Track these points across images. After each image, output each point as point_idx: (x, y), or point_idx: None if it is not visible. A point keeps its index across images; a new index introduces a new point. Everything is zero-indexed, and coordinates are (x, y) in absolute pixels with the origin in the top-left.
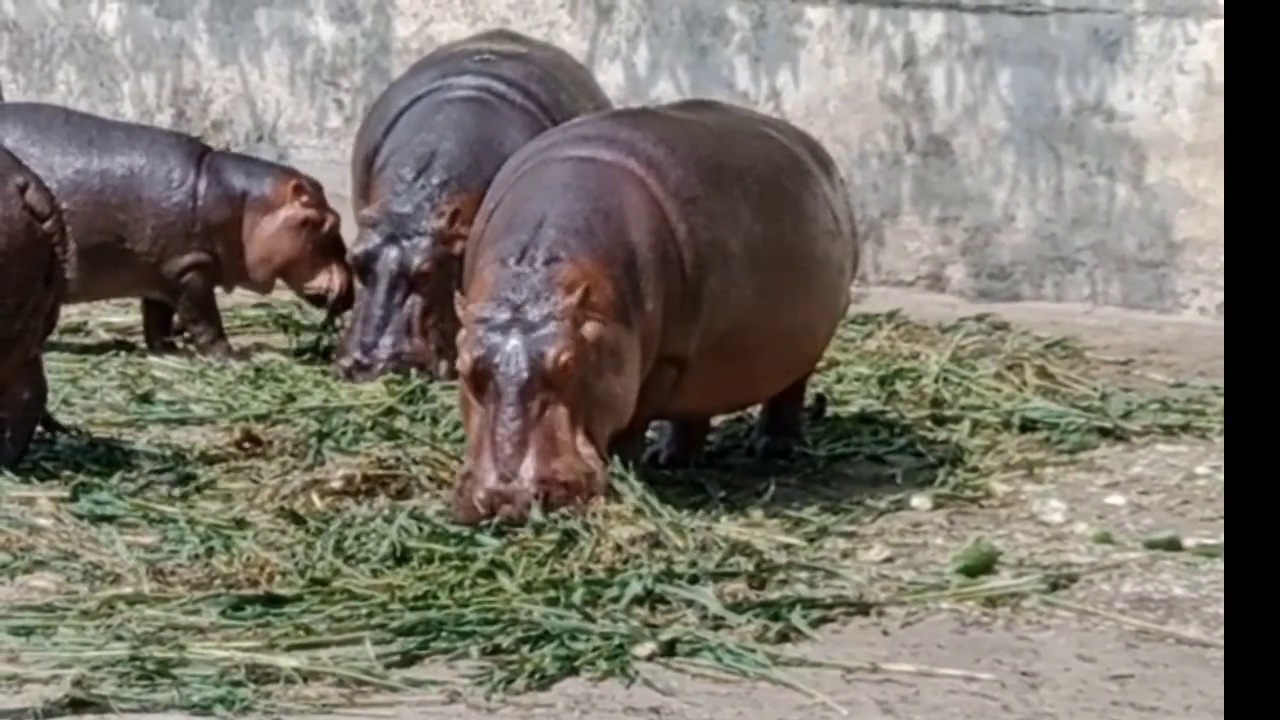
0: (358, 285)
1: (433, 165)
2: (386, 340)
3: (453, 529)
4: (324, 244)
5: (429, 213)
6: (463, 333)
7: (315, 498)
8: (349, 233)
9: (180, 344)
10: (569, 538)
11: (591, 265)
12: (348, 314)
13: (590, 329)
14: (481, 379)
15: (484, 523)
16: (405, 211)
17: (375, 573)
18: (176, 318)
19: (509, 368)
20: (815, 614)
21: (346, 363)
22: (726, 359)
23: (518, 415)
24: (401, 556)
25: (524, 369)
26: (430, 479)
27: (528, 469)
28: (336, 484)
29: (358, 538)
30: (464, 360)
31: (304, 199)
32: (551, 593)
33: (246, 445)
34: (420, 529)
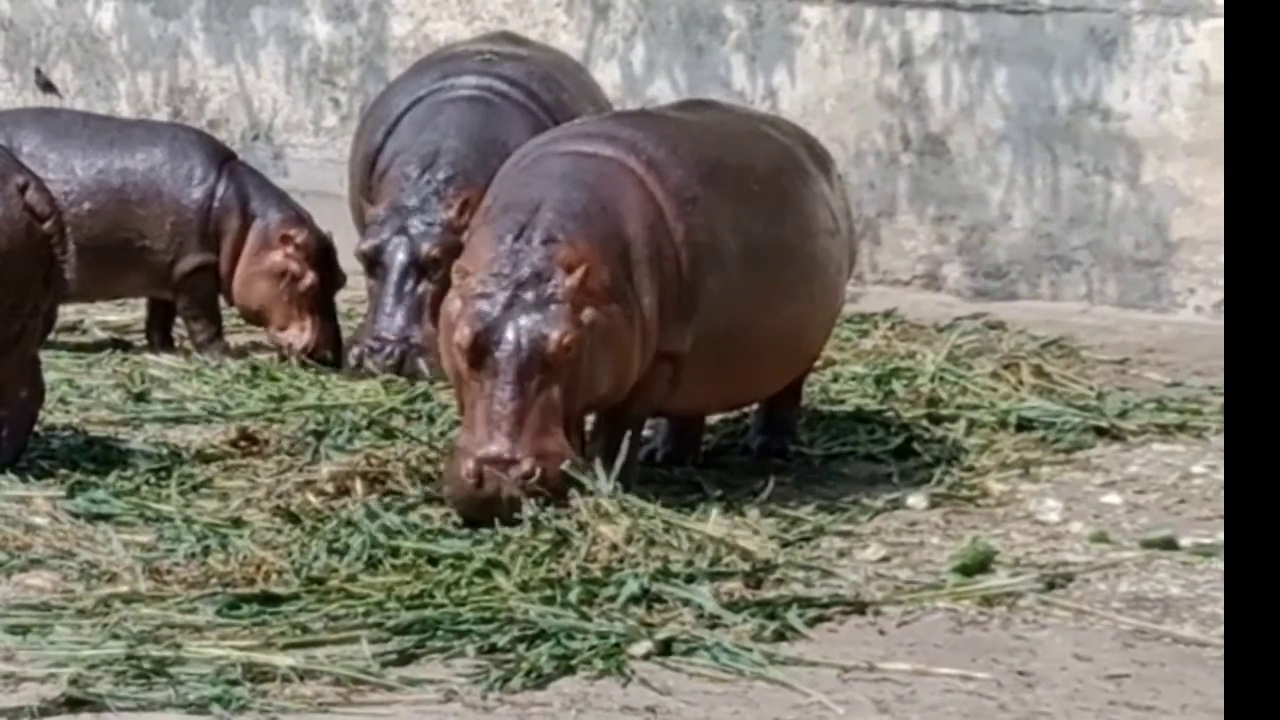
0: (368, 280)
1: (438, 162)
2: (398, 323)
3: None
4: (299, 298)
5: (436, 204)
6: (456, 303)
7: (311, 496)
8: (346, 240)
9: (178, 342)
10: (562, 537)
11: (588, 249)
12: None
13: (588, 313)
14: (480, 354)
15: (471, 503)
16: (412, 205)
17: (372, 570)
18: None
19: (510, 346)
20: (811, 613)
21: (356, 351)
22: (726, 357)
23: (516, 394)
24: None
25: (525, 349)
26: (425, 477)
27: (523, 449)
28: (327, 486)
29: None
30: (464, 334)
31: (290, 250)
32: (548, 591)
33: (243, 444)
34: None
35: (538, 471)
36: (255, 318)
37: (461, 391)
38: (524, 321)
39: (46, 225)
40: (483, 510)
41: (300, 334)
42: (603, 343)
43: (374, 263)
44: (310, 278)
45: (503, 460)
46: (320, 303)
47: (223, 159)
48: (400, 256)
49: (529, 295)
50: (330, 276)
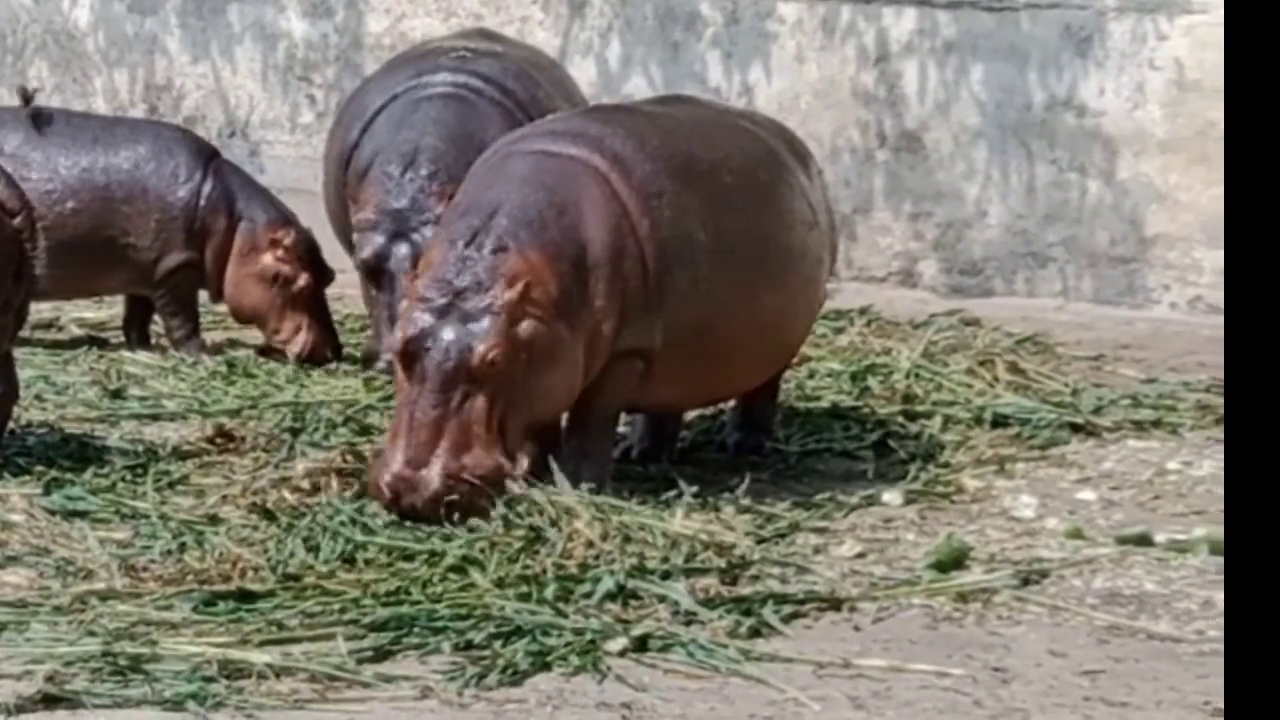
0: (372, 290)
1: (419, 159)
2: None
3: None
4: (293, 300)
5: (425, 201)
6: (403, 305)
7: (287, 493)
8: (321, 236)
9: (155, 339)
10: (537, 533)
11: (539, 259)
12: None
13: (525, 327)
14: (410, 359)
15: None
16: (402, 206)
17: (347, 566)
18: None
19: (436, 354)
20: (787, 609)
21: (382, 365)
22: (702, 351)
23: (438, 404)
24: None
25: (451, 359)
26: None
27: (437, 462)
28: (303, 482)
29: (324, 532)
30: (395, 338)
31: (280, 254)
32: (523, 588)
33: (219, 441)
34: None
35: (449, 492)
36: (247, 319)
37: (398, 392)
38: (454, 332)
39: (16, 220)
40: (405, 515)
41: (297, 338)
42: (546, 356)
43: (377, 271)
44: (303, 279)
45: (414, 479)
46: (314, 303)
47: (208, 157)
48: (405, 264)
49: (467, 305)
50: (320, 274)
